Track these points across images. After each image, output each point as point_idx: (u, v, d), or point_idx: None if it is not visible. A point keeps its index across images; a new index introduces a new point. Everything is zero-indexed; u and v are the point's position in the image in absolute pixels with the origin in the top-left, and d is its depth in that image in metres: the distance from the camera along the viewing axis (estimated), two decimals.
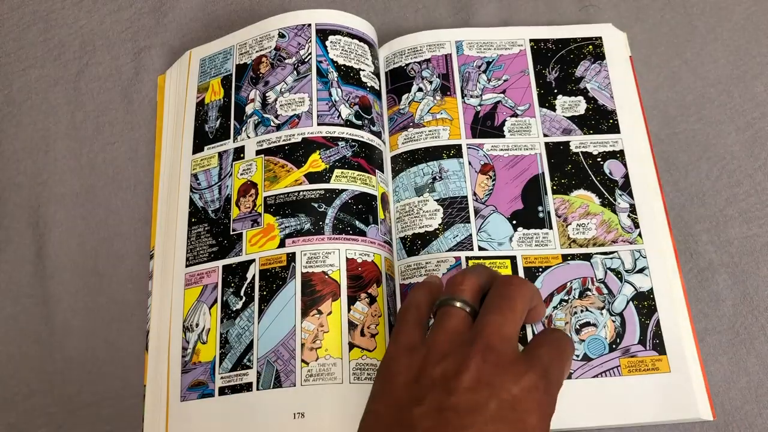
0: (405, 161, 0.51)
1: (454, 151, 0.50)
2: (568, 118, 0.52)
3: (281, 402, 0.42)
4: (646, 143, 0.51)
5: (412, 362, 0.35)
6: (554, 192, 0.49)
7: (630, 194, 0.49)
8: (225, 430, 0.43)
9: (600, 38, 0.54)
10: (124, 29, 0.59)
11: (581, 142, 0.51)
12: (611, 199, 0.49)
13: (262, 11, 0.59)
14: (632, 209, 0.49)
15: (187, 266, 0.48)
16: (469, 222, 0.48)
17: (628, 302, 0.46)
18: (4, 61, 0.58)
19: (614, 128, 0.51)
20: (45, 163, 0.54)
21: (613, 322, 0.46)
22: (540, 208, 0.49)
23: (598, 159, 0.50)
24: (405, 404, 0.33)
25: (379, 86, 0.53)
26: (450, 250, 0.48)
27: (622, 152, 0.51)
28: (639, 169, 0.50)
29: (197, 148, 0.51)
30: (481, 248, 0.48)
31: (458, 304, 0.37)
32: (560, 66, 0.53)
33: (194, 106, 0.53)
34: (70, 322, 0.49)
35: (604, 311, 0.46)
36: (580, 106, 0.52)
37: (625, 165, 0.50)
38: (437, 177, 0.50)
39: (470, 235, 0.48)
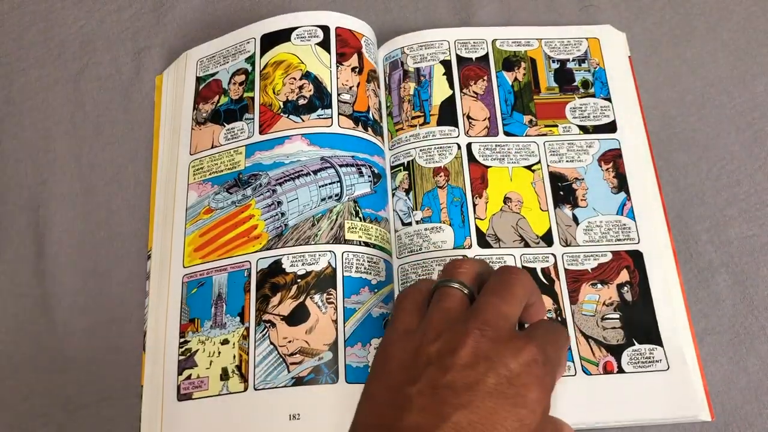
0: None
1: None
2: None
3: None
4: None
5: (408, 345, 0.35)
6: None
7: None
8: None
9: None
10: (124, 29, 0.59)
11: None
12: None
13: (262, 11, 0.59)
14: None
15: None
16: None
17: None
18: (4, 61, 0.58)
19: (612, 128, 0.52)
20: (45, 163, 0.54)
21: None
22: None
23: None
24: (401, 385, 0.33)
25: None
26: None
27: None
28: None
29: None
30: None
31: (455, 285, 0.37)
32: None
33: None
34: (69, 322, 0.49)
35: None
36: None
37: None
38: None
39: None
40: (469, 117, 0.52)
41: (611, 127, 0.51)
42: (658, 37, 0.56)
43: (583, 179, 0.50)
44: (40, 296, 0.50)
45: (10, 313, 0.50)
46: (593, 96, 0.53)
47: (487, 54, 0.54)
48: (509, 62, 0.54)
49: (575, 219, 0.49)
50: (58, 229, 0.52)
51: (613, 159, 0.50)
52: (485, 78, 0.53)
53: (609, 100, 0.52)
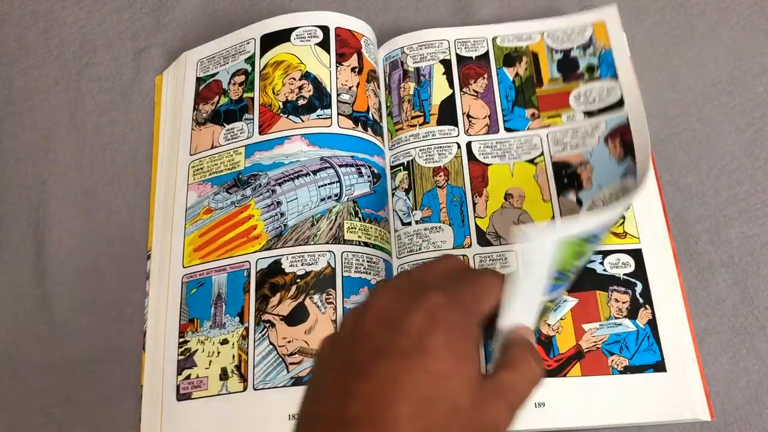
0: None
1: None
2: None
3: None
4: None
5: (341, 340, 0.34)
6: None
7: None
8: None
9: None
10: (124, 29, 0.59)
11: None
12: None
13: (263, 11, 0.59)
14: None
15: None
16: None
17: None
18: (4, 61, 0.58)
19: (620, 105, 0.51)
20: (45, 163, 0.54)
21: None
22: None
23: None
24: (319, 376, 0.32)
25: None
26: None
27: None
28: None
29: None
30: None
31: None
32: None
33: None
34: (69, 322, 0.49)
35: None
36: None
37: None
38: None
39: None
40: (469, 116, 0.52)
41: (618, 106, 0.51)
42: (658, 37, 0.56)
43: (588, 162, 0.50)
44: (40, 296, 0.50)
45: (10, 313, 0.50)
46: (599, 79, 0.52)
47: (487, 52, 0.54)
48: (510, 58, 0.53)
49: (579, 201, 0.49)
50: (58, 229, 0.52)
51: (620, 133, 0.50)
52: (485, 76, 0.53)
53: (616, 78, 0.52)
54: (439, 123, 0.52)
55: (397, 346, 0.29)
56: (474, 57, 0.54)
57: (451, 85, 0.53)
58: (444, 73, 0.53)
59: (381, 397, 0.28)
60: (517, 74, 0.53)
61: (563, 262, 0.34)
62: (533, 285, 0.34)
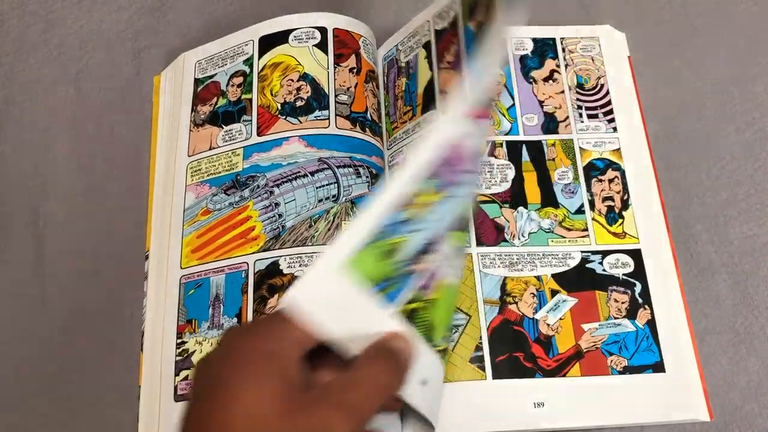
0: None
1: None
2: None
3: None
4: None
5: None
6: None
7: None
8: None
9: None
10: (124, 29, 0.59)
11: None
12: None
13: (263, 11, 0.59)
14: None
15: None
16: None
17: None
18: (4, 61, 0.58)
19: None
20: (45, 163, 0.54)
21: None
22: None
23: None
24: None
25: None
26: None
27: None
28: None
29: None
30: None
31: None
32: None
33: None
34: (69, 322, 0.49)
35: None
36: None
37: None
38: None
39: None
40: (443, 91, 0.50)
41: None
42: (658, 37, 0.56)
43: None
44: (40, 296, 0.50)
45: (10, 313, 0.50)
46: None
47: (457, 15, 0.51)
48: (471, 9, 0.48)
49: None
50: (58, 229, 0.52)
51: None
52: (455, 40, 0.51)
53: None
54: (423, 111, 0.51)
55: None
56: (448, 25, 0.51)
57: (431, 67, 0.52)
58: (426, 57, 0.52)
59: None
60: (477, 23, 0.49)
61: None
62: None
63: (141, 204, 0.53)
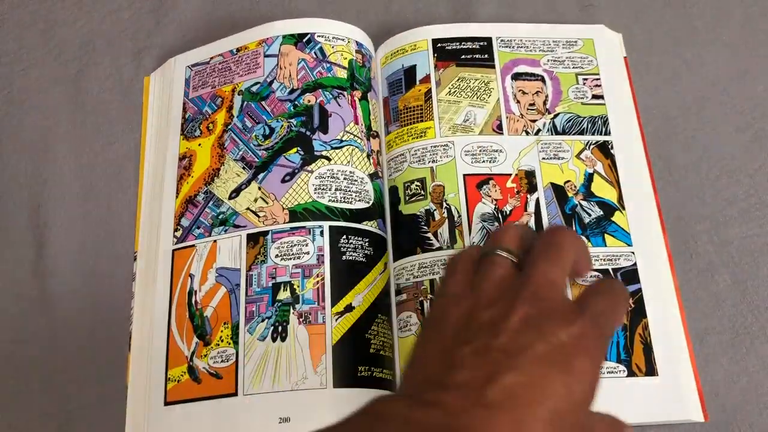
0: None
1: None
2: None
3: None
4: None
5: (461, 310, 0.34)
6: None
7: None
8: None
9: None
10: (124, 29, 0.59)
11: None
12: None
13: (263, 11, 0.59)
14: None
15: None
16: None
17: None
18: (4, 61, 0.58)
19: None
20: (45, 163, 0.54)
21: None
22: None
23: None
24: (452, 346, 0.33)
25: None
26: None
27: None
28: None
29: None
30: None
31: (503, 254, 0.36)
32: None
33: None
34: (69, 322, 0.49)
35: None
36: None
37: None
38: None
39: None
40: None
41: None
42: (657, 37, 0.56)
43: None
44: (40, 296, 0.50)
45: (10, 313, 0.50)
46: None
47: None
48: None
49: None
50: (58, 229, 0.52)
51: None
52: None
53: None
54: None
55: (546, 356, 0.31)
56: None
57: None
58: None
59: (524, 393, 0.29)
60: None
61: None
62: None
63: None
